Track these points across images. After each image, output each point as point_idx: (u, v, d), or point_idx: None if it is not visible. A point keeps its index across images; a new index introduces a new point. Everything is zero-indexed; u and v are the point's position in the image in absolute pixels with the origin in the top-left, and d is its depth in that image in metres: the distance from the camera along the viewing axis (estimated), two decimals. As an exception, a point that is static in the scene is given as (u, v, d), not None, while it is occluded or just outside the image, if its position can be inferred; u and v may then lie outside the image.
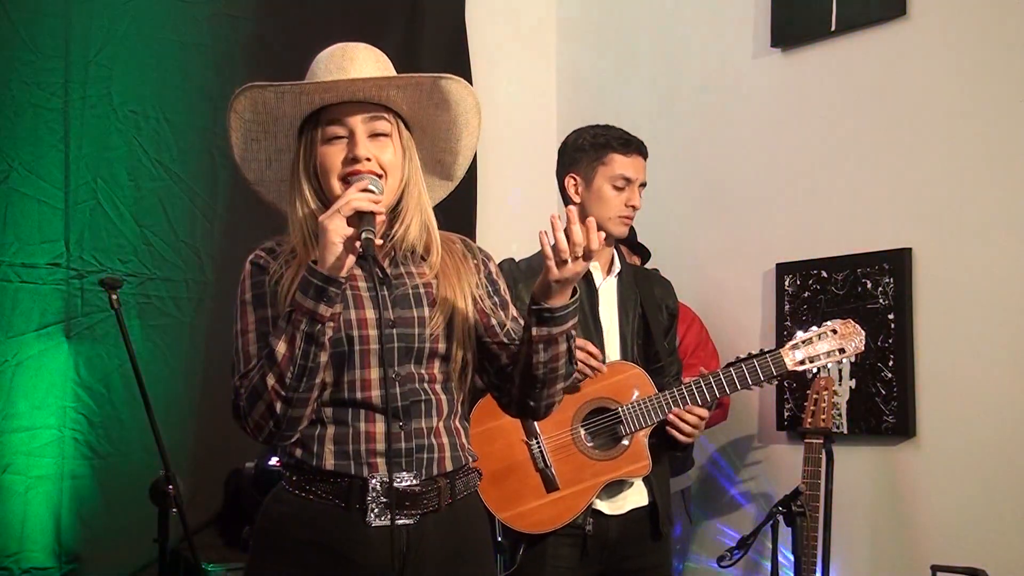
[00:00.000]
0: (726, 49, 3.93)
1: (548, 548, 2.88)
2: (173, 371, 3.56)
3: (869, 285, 3.40)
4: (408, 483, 2.01)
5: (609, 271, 3.05)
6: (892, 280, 3.36)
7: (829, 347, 2.92)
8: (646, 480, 2.96)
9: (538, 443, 2.88)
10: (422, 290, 2.08)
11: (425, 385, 2.06)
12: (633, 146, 3.03)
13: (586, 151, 3.02)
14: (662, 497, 2.97)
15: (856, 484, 3.38)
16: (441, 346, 2.06)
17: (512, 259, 3.08)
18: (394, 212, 2.08)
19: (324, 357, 1.96)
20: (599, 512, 2.91)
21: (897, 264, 3.36)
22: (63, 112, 3.44)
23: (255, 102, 2.07)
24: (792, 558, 2.74)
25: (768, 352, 2.91)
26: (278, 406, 1.97)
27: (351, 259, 1.94)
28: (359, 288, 2.05)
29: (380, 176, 2.02)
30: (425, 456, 2.03)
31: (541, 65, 4.53)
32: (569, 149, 3.07)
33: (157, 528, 2.97)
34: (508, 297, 2.20)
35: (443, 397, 2.08)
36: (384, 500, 1.99)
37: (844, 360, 2.92)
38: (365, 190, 1.95)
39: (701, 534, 3.81)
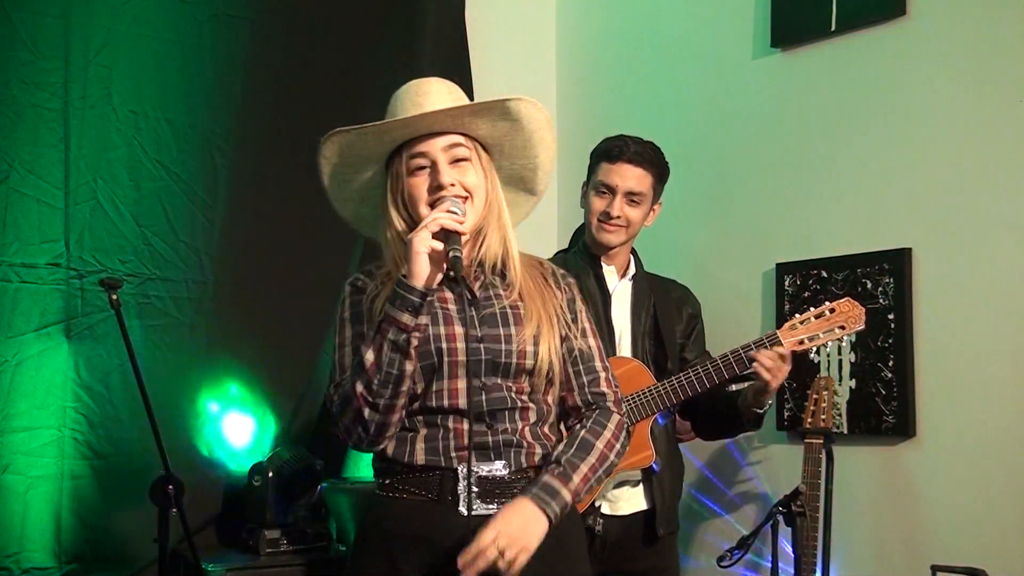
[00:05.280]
0: (726, 49, 3.93)
1: None
2: (173, 371, 3.55)
3: (869, 285, 3.40)
4: (499, 471, 2.09)
5: (624, 274, 3.08)
6: (892, 280, 3.36)
7: (828, 325, 2.93)
8: (647, 484, 2.96)
9: None
10: (509, 311, 2.16)
11: (512, 395, 2.13)
12: (617, 153, 3.04)
13: (591, 160, 3.12)
14: (663, 500, 2.97)
15: (856, 484, 3.38)
16: (528, 362, 2.13)
17: None
18: (478, 231, 2.17)
19: (410, 366, 2.03)
20: (602, 513, 2.92)
21: (897, 264, 3.36)
22: (63, 112, 3.43)
23: (341, 145, 2.16)
24: (792, 558, 2.74)
25: (766, 336, 2.92)
26: (366, 412, 2.05)
27: (439, 275, 2.03)
28: (449, 309, 2.14)
29: (465, 198, 2.12)
30: (514, 449, 2.11)
31: (541, 65, 4.53)
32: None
33: (157, 528, 2.97)
34: (589, 325, 2.28)
35: (531, 406, 2.16)
36: (475, 489, 2.07)
37: (845, 338, 2.92)
38: (449, 211, 2.04)
39: (701, 534, 3.81)
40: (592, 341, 2.27)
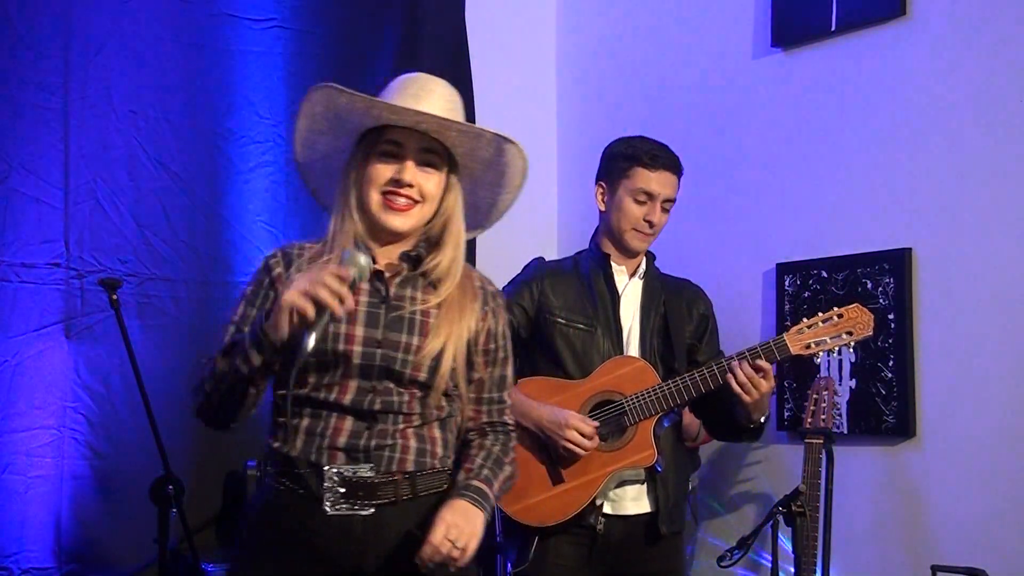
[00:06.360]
0: (726, 49, 3.93)
1: (551, 546, 2.88)
2: (173, 371, 3.55)
3: (869, 285, 3.41)
4: (365, 473, 2.10)
5: (634, 274, 3.08)
6: (892, 280, 3.36)
7: (835, 331, 2.90)
8: (651, 486, 2.95)
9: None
10: (419, 317, 2.17)
11: (402, 399, 2.14)
12: (660, 161, 3.02)
13: (616, 161, 3.06)
14: (667, 500, 2.96)
15: (856, 484, 3.38)
16: (422, 375, 2.14)
17: (542, 257, 3.16)
18: (437, 242, 2.21)
19: (252, 389, 2.09)
20: (604, 513, 2.92)
21: (897, 264, 3.36)
22: (63, 112, 3.44)
23: (329, 98, 2.18)
24: (792, 558, 2.73)
25: (772, 340, 2.90)
26: (205, 407, 2.14)
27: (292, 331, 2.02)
28: (358, 303, 2.13)
29: (417, 202, 2.14)
30: (386, 454, 2.12)
31: (541, 65, 4.53)
32: (604, 157, 3.11)
33: (157, 528, 2.98)
34: (510, 354, 2.31)
35: (417, 410, 2.16)
36: (341, 490, 2.08)
37: (852, 343, 2.89)
38: (339, 275, 2.00)
39: (701, 534, 3.81)
40: (509, 370, 2.31)
